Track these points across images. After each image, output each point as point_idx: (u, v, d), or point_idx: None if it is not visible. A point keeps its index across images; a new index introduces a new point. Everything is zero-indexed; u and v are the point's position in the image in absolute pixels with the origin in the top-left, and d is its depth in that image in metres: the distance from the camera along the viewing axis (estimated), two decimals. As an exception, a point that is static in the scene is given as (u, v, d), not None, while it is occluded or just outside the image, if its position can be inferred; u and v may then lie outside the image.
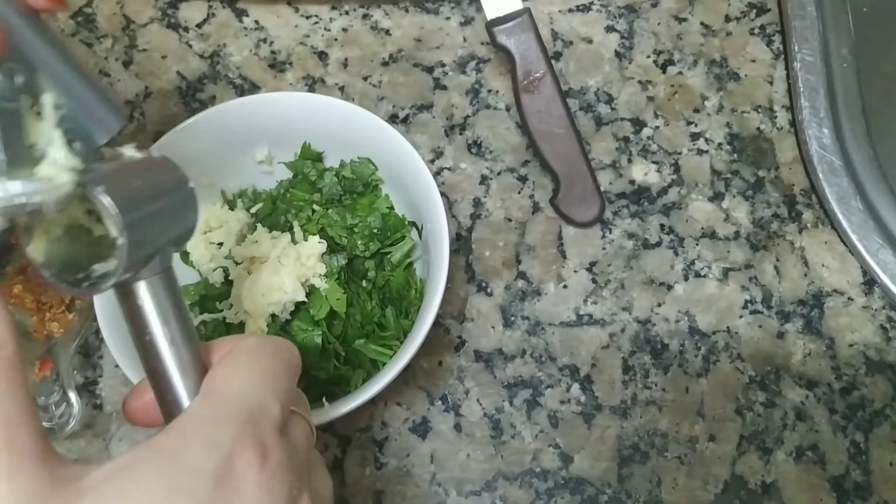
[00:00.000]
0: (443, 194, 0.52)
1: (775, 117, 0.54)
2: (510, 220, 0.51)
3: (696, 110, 0.54)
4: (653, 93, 0.55)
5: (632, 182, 0.52)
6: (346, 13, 0.57)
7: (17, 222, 0.25)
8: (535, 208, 0.52)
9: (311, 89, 0.55)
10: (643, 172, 0.52)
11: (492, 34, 0.50)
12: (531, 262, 0.50)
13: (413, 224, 0.46)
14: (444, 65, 0.56)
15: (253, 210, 0.47)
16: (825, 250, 0.50)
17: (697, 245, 0.51)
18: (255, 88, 0.56)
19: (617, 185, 0.52)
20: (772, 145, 0.53)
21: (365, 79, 0.56)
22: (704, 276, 0.50)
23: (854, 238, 0.50)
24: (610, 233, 0.51)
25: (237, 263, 0.45)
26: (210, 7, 0.58)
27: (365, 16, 0.57)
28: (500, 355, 0.48)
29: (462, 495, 0.46)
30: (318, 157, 0.48)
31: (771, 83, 0.55)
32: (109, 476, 0.21)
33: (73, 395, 0.45)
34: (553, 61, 0.54)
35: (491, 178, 0.53)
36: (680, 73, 0.55)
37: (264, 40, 0.57)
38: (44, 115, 0.25)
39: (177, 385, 0.26)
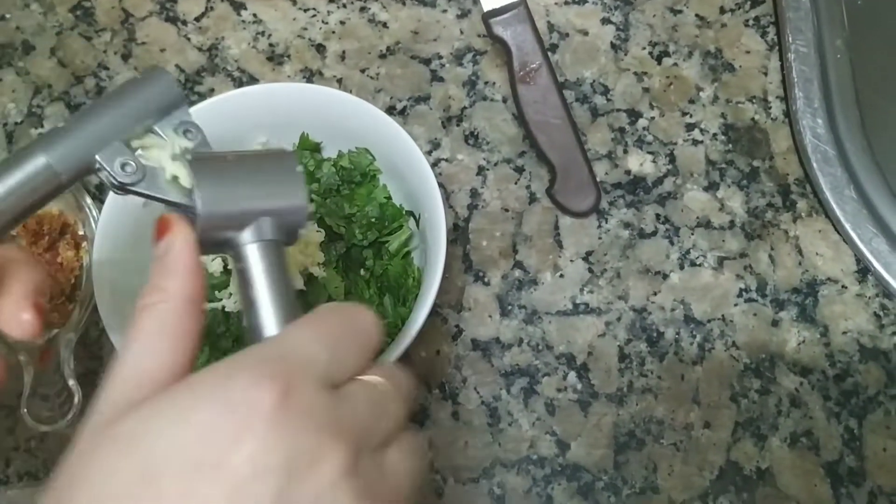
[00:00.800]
0: (440, 185, 0.52)
1: (770, 108, 0.54)
2: (507, 210, 0.52)
3: (692, 101, 0.54)
4: (648, 84, 0.55)
5: (627, 172, 0.53)
6: (344, 6, 0.58)
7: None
8: (532, 199, 0.52)
9: (310, 82, 0.56)
10: (639, 163, 0.53)
11: (488, 26, 0.50)
12: (528, 252, 0.51)
13: (411, 213, 0.47)
14: (441, 57, 0.56)
15: (252, 201, 0.48)
16: (819, 239, 0.51)
17: (693, 234, 0.51)
18: (253, 81, 0.56)
19: (613, 176, 0.53)
20: (766, 135, 0.53)
21: (362, 71, 0.56)
22: (700, 265, 0.50)
23: (848, 227, 0.50)
24: (606, 222, 0.51)
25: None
26: (208, 0, 0.58)
27: (362, 8, 0.58)
28: (498, 344, 0.49)
29: (460, 482, 0.46)
30: (316, 148, 0.48)
31: (765, 74, 0.55)
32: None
33: (73, 385, 0.45)
34: (549, 53, 0.54)
35: (488, 169, 0.53)
36: (675, 64, 0.55)
37: (262, 33, 0.57)
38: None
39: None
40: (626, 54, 0.56)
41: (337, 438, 0.23)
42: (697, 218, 0.51)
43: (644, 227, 0.51)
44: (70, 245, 0.50)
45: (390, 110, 0.55)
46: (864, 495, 0.45)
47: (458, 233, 0.51)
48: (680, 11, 0.57)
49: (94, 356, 0.49)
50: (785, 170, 0.52)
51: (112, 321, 0.41)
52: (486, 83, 0.55)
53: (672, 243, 0.51)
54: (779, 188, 0.52)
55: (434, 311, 0.49)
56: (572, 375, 0.48)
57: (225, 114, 0.46)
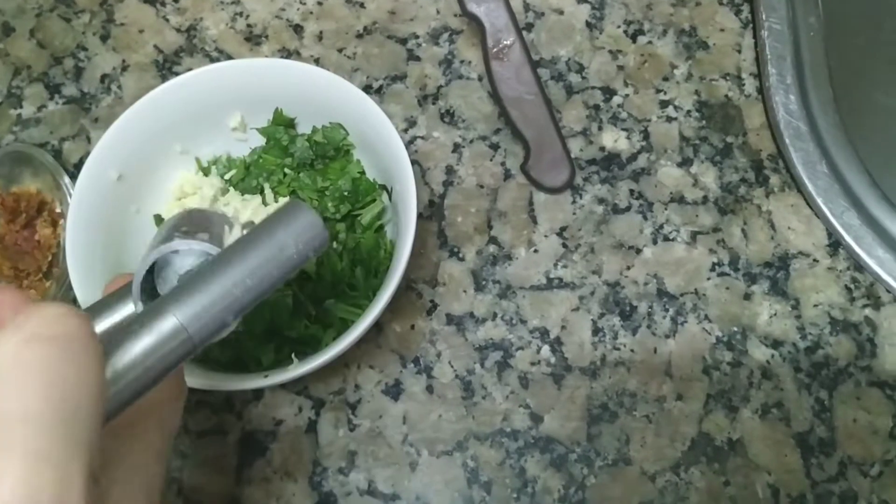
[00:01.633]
0: (416, 162, 0.53)
1: (743, 85, 0.54)
2: (482, 186, 0.52)
3: (666, 79, 0.55)
4: (623, 62, 0.55)
5: (602, 149, 0.53)
6: (321, -13, 0.58)
7: None
8: (507, 175, 0.52)
9: (287, 61, 0.56)
10: (613, 139, 0.53)
11: (462, 3, 0.50)
12: (502, 228, 0.51)
13: (384, 187, 0.47)
14: (417, 36, 0.56)
15: (227, 177, 0.48)
16: (791, 213, 0.51)
17: (666, 210, 0.51)
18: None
19: (587, 152, 0.53)
20: (739, 112, 0.54)
21: (340, 51, 0.56)
22: (673, 240, 0.51)
23: (819, 201, 0.50)
24: (580, 198, 0.52)
25: (209, 227, 0.45)
26: (187, -18, 0.59)
27: (340, -11, 0.58)
28: (472, 318, 0.49)
29: (434, 455, 0.46)
30: (290, 123, 0.48)
31: (739, 52, 0.55)
32: None
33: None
34: (525, 32, 0.55)
35: (463, 147, 0.53)
36: (650, 42, 0.56)
37: (240, 14, 0.58)
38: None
39: None
40: (601, 33, 0.56)
41: None
42: (671, 193, 0.52)
43: (618, 202, 0.52)
44: (47, 223, 0.51)
45: (367, 89, 0.55)
46: (834, 465, 0.46)
47: (433, 209, 0.52)
48: (655, -9, 0.57)
49: (71, 332, 0.49)
50: (758, 146, 0.53)
51: (87, 297, 0.41)
52: (461, 62, 0.56)
53: (646, 218, 0.51)
54: (752, 164, 0.52)
55: (409, 287, 0.49)
56: (546, 349, 0.48)
57: (201, 89, 0.46)
